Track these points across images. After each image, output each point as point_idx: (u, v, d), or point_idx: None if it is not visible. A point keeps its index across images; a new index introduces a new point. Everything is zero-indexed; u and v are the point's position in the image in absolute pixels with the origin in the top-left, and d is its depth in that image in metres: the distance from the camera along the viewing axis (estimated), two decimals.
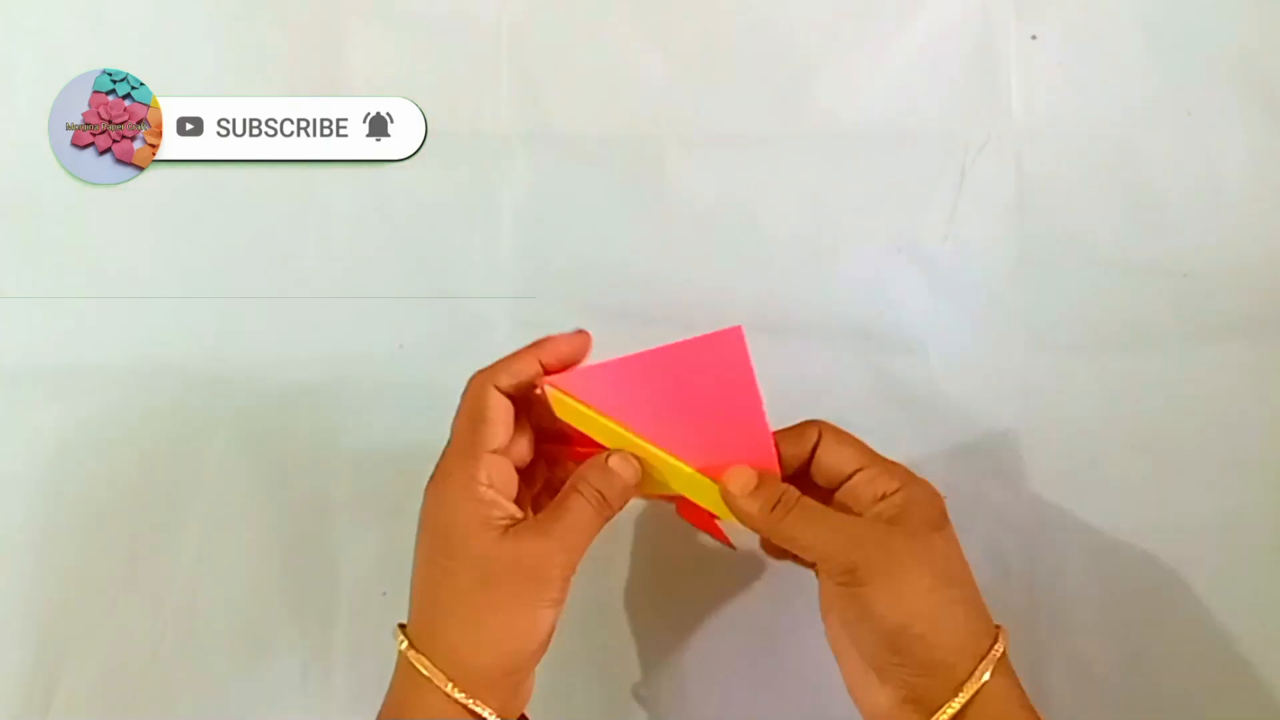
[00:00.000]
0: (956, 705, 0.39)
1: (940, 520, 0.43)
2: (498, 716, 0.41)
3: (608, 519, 0.44)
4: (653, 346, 0.44)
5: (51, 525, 0.55)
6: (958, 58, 0.57)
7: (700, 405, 0.43)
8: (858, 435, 0.46)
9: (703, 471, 0.44)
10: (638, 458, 0.44)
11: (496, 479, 0.43)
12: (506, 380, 0.44)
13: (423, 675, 0.41)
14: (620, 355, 0.44)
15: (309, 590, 0.55)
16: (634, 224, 0.57)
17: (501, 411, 0.44)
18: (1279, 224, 0.56)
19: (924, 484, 0.44)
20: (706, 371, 0.43)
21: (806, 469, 0.45)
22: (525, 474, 0.46)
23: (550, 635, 0.42)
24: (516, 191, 0.57)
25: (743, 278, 0.57)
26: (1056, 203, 0.57)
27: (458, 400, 0.53)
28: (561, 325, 0.56)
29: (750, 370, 0.43)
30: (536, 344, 0.46)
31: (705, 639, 0.55)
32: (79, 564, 0.55)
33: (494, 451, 0.43)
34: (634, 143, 0.57)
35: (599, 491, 0.43)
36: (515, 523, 0.42)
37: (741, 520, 0.44)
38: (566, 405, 0.44)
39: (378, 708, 0.43)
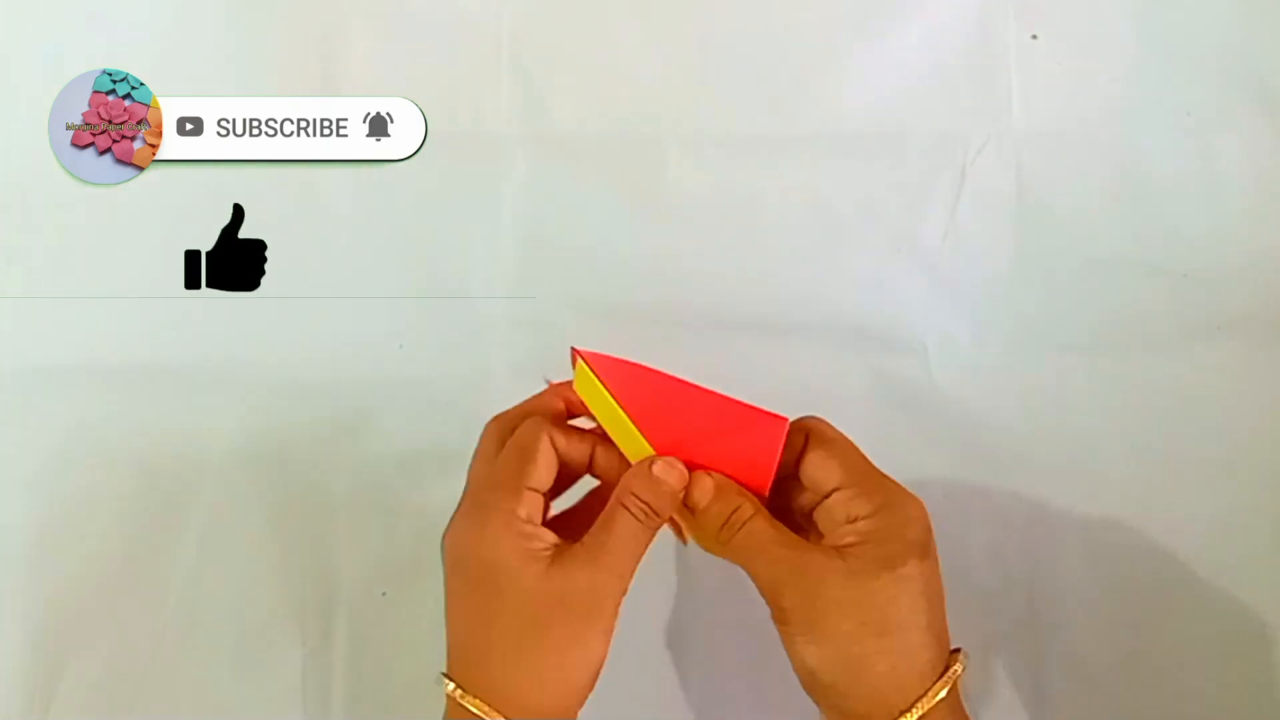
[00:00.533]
0: None
1: (899, 556, 0.40)
2: None
3: (656, 531, 0.42)
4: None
5: (51, 525, 0.55)
6: (957, 58, 0.57)
7: (716, 457, 0.43)
8: (858, 435, 0.45)
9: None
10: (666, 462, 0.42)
11: (535, 517, 0.42)
12: (561, 442, 0.43)
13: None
14: (644, 362, 0.43)
15: (309, 590, 0.55)
16: (634, 224, 0.57)
17: (551, 458, 0.42)
18: (1278, 224, 0.56)
19: (902, 510, 0.41)
20: (738, 437, 0.42)
21: (795, 472, 0.44)
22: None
23: (605, 659, 0.41)
24: (516, 191, 0.57)
25: (742, 278, 0.57)
26: (1056, 203, 0.57)
27: (458, 400, 0.53)
28: (561, 325, 0.57)
29: (774, 462, 0.42)
30: (589, 434, 0.44)
31: (705, 639, 0.55)
32: (79, 564, 0.55)
33: (532, 490, 0.42)
34: (634, 143, 0.57)
35: (646, 504, 0.41)
36: (558, 551, 0.41)
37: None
38: (589, 382, 0.42)
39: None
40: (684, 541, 0.46)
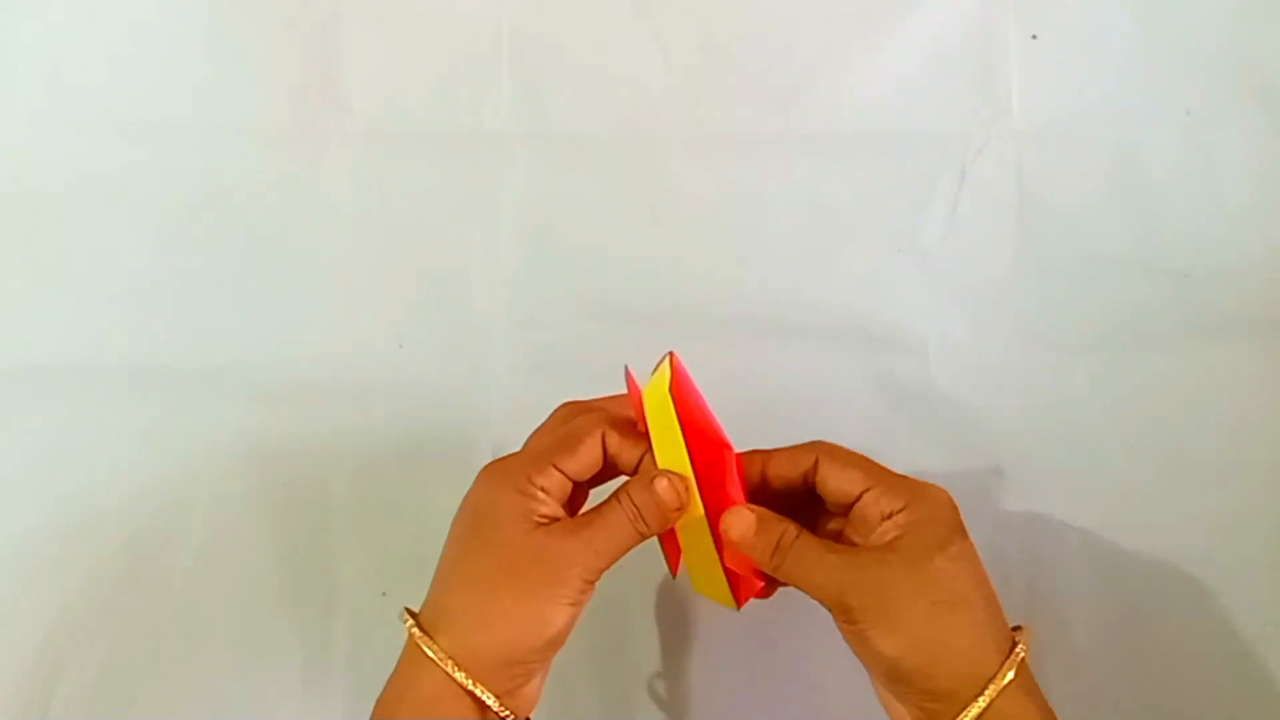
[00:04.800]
0: None
1: (946, 538, 0.42)
2: (497, 702, 0.41)
3: (644, 536, 0.43)
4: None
5: (51, 525, 0.55)
6: (958, 58, 0.57)
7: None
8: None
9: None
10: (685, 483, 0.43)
11: (554, 491, 0.43)
12: (614, 441, 0.44)
13: (427, 657, 0.41)
14: (678, 360, 0.43)
15: (309, 590, 0.55)
16: (634, 224, 0.57)
17: (595, 453, 0.44)
18: (1278, 223, 0.56)
19: (932, 499, 0.43)
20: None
21: (813, 491, 0.44)
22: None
23: (560, 635, 0.42)
24: (516, 191, 0.57)
25: (743, 277, 0.57)
26: (1056, 202, 0.57)
27: (458, 400, 0.53)
28: (561, 324, 0.57)
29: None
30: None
31: (706, 639, 0.55)
32: (79, 564, 0.55)
33: (560, 471, 0.43)
34: (634, 143, 0.57)
35: (637, 510, 0.42)
36: (552, 521, 0.42)
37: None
38: (661, 394, 0.42)
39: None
40: (673, 574, 0.46)
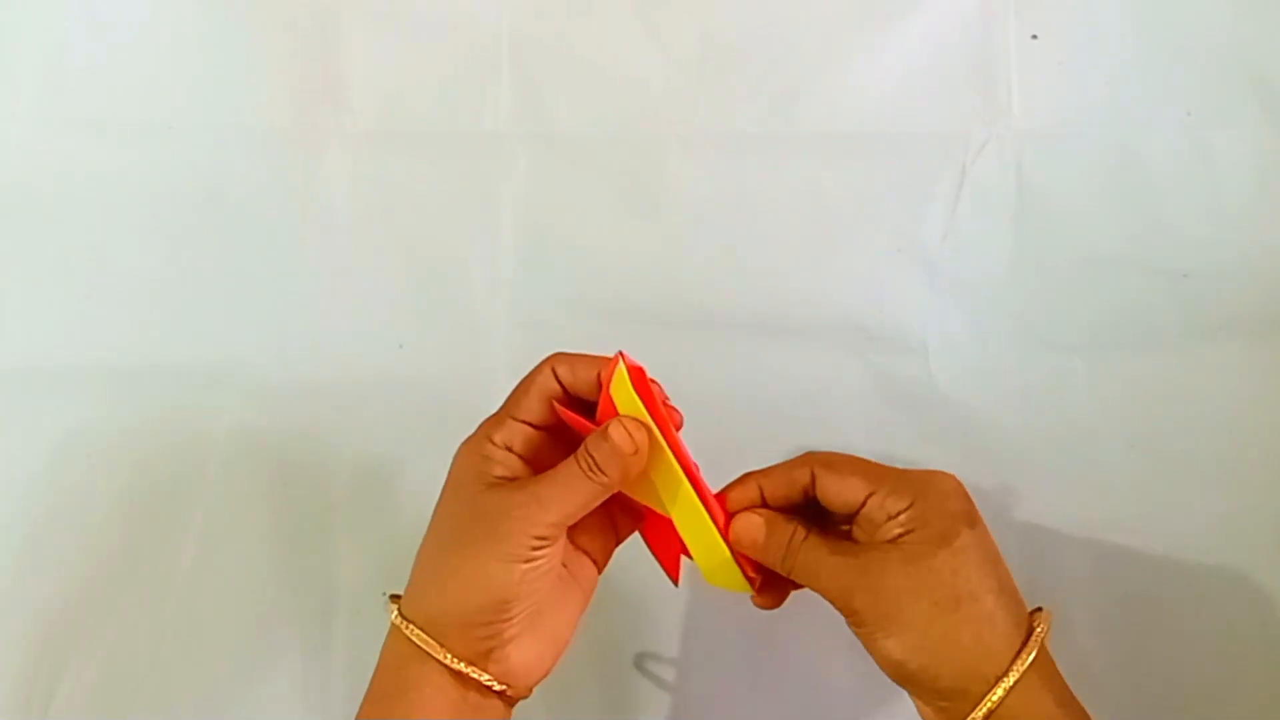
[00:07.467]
0: None
1: (950, 531, 0.41)
2: (469, 666, 0.41)
3: (605, 487, 0.41)
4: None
5: (51, 525, 0.55)
6: (957, 58, 0.57)
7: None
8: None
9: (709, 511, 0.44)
10: (651, 442, 0.42)
11: (516, 444, 0.43)
12: (564, 368, 0.43)
13: (395, 627, 0.42)
14: (629, 358, 0.43)
15: (309, 591, 0.55)
16: (634, 224, 0.57)
17: (545, 389, 0.43)
18: (1277, 223, 0.56)
19: (939, 489, 0.42)
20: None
21: (814, 499, 0.44)
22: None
23: (512, 594, 0.40)
24: (516, 191, 0.57)
25: (742, 277, 0.57)
26: (1056, 202, 0.57)
27: (457, 400, 0.53)
28: (561, 324, 0.57)
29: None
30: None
31: (705, 638, 0.55)
32: (79, 564, 0.55)
33: (523, 422, 0.43)
34: (634, 143, 0.58)
35: (591, 456, 0.41)
36: (509, 479, 0.42)
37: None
38: (625, 388, 0.42)
39: None
40: (675, 583, 0.46)
